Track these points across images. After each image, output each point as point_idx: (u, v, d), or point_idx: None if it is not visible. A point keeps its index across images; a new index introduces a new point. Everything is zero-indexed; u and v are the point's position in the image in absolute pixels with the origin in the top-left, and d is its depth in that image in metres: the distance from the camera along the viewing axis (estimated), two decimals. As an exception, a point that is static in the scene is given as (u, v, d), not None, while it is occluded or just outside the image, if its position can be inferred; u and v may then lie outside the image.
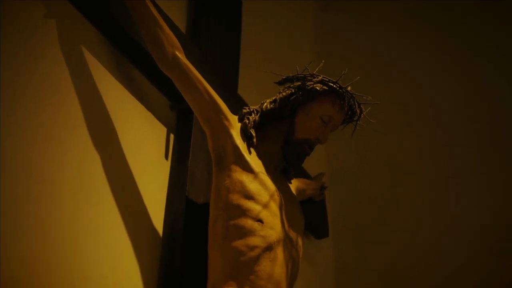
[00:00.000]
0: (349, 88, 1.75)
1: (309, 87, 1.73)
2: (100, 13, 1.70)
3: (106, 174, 1.64)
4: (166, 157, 1.88)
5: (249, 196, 1.58)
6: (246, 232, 1.54)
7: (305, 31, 3.39)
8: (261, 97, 1.87)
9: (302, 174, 2.42)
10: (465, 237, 2.55)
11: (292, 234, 1.67)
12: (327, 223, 2.61)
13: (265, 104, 1.79)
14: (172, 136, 1.93)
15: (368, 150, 2.99)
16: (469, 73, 2.86)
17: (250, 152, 1.68)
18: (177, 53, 1.64)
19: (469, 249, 2.51)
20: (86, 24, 1.71)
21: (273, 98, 1.79)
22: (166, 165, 1.87)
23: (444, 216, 2.65)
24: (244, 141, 1.69)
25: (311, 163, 2.65)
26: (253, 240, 1.54)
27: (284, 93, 1.77)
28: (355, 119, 1.79)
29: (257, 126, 1.76)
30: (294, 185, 1.96)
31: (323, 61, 1.79)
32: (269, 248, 1.55)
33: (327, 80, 1.73)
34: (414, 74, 3.06)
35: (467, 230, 2.56)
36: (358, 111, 1.77)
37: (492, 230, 2.48)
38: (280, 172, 1.83)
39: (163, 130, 1.91)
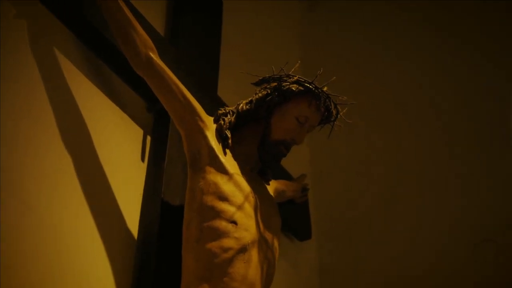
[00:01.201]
0: (325, 89, 1.74)
1: (284, 88, 1.72)
2: (73, 14, 1.69)
3: (80, 177, 1.63)
4: (142, 159, 1.86)
5: (223, 198, 1.57)
6: (220, 234, 1.53)
7: (290, 31, 3.38)
8: (242, 98, 1.86)
9: (284, 175, 2.41)
10: (457, 238, 2.54)
11: (268, 235, 1.65)
12: (310, 225, 2.60)
13: (241, 105, 1.78)
14: (148, 138, 1.91)
15: (352, 151, 2.98)
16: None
17: (225, 154, 1.67)
18: (150, 53, 1.63)
19: (461, 250, 2.50)
20: (59, 25, 1.69)
21: (249, 99, 1.78)
22: (142, 167, 1.85)
23: (435, 216, 2.64)
24: (219, 143, 1.68)
25: (295, 164, 2.65)
26: (227, 242, 1.52)
27: (260, 94, 1.76)
28: (332, 119, 1.78)
29: (233, 127, 1.75)
30: (272, 186, 1.94)
31: (299, 61, 1.78)
32: (243, 249, 1.53)
33: (303, 80, 1.72)
34: (404, 73, 3.05)
35: (462, 230, 2.55)
36: (334, 111, 1.76)
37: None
38: (257, 173, 1.82)
39: (140, 132, 1.90)
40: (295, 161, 2.68)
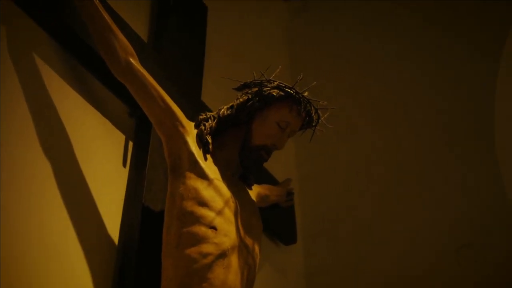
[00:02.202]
0: (306, 94, 1.74)
1: (265, 93, 1.73)
2: (53, 19, 1.69)
3: (61, 182, 1.63)
4: (124, 165, 1.86)
5: (203, 203, 1.57)
6: (199, 239, 1.53)
7: (276, 35, 3.38)
8: (226, 103, 1.86)
9: (270, 179, 2.41)
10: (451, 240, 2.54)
11: (248, 240, 1.66)
12: (296, 229, 2.60)
13: (223, 110, 1.79)
14: (130, 143, 1.91)
15: (338, 154, 2.98)
16: (468, 72, 2.84)
17: (206, 159, 1.67)
18: (130, 58, 1.63)
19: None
20: (38, 30, 1.69)
21: (231, 104, 1.79)
22: (124, 173, 1.85)
23: (430, 221, 2.63)
24: (200, 148, 1.68)
25: (280, 168, 2.66)
26: (206, 247, 1.52)
27: (241, 99, 1.77)
28: (313, 124, 1.79)
29: (214, 132, 1.76)
30: (255, 191, 1.95)
31: (280, 67, 1.79)
32: (222, 255, 1.54)
33: (284, 85, 1.73)
34: (394, 75, 3.05)
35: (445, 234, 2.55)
36: (315, 116, 1.77)
37: (492, 230, 2.48)
38: (239, 178, 1.82)
39: (121, 137, 1.90)
40: (280, 165, 2.69)
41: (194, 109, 2.03)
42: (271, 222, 2.31)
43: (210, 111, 2.13)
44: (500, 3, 2.84)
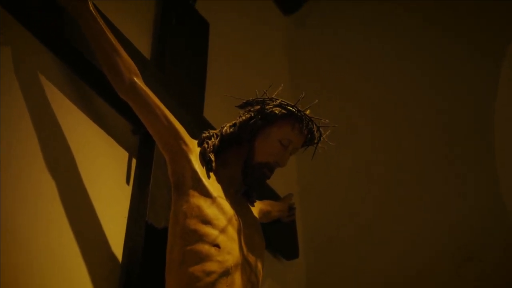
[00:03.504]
0: (307, 112, 1.76)
1: (268, 111, 1.74)
2: (57, 38, 1.70)
3: (65, 200, 1.64)
4: (128, 182, 1.87)
5: (206, 221, 1.58)
6: (202, 258, 1.54)
7: (277, 48, 3.40)
8: (228, 119, 1.87)
9: (271, 194, 2.42)
10: (451, 251, 2.54)
11: (251, 258, 1.66)
12: (297, 244, 2.60)
13: (225, 128, 1.80)
14: (134, 161, 1.92)
15: (338, 169, 2.99)
16: (468, 72, 2.85)
17: (209, 177, 1.68)
18: (134, 78, 1.65)
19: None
20: (43, 49, 1.71)
21: (233, 122, 1.80)
22: (127, 190, 1.86)
23: (430, 231, 2.64)
24: (203, 166, 1.69)
25: (282, 183, 2.67)
26: (210, 266, 1.53)
27: (243, 117, 1.78)
28: (315, 142, 1.80)
29: (217, 150, 1.77)
30: (257, 207, 1.96)
31: (282, 85, 1.80)
32: (226, 273, 1.55)
33: (286, 103, 1.75)
34: (394, 75, 3.07)
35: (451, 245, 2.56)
36: (317, 134, 1.78)
37: (491, 232, 2.48)
38: (242, 195, 1.83)
39: (125, 154, 1.91)
40: (282, 180, 2.70)
41: (196, 126, 2.06)
42: (273, 238, 2.32)
43: (212, 127, 2.16)
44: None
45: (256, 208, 1.94)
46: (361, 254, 2.74)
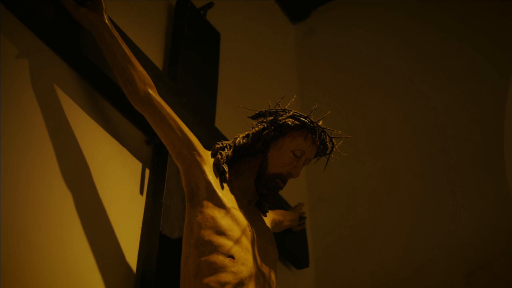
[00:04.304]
0: (320, 123, 1.77)
1: (281, 122, 1.76)
2: (72, 51, 1.73)
3: (79, 210, 1.65)
4: (141, 193, 1.88)
5: (221, 232, 1.60)
6: (217, 268, 1.55)
7: (286, 59, 3.42)
8: (240, 129, 1.88)
9: (282, 203, 2.43)
10: (456, 258, 2.55)
11: (265, 268, 1.67)
12: (308, 252, 2.61)
13: (238, 139, 1.81)
14: (147, 171, 1.94)
15: (348, 176, 3.00)
16: (479, 93, 2.87)
17: (222, 188, 1.70)
18: (148, 90, 1.66)
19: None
20: (58, 61, 1.73)
21: (246, 133, 1.81)
22: (141, 201, 1.87)
23: (434, 241, 2.65)
24: (216, 177, 1.70)
25: (291, 192, 2.68)
26: (224, 277, 1.54)
27: (256, 128, 1.79)
28: (327, 152, 1.81)
29: (231, 161, 1.78)
30: (269, 217, 1.97)
31: (294, 96, 1.82)
32: (240, 284, 1.56)
33: (299, 115, 1.76)
34: (403, 98, 3.08)
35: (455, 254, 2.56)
36: (329, 145, 1.79)
37: (504, 242, 2.49)
38: (255, 206, 1.84)
39: (139, 165, 1.92)
40: (291, 188, 2.71)
41: (208, 136, 2.07)
42: (284, 247, 2.33)
43: (224, 137, 2.17)
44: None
45: (269, 218, 1.95)
46: (371, 263, 2.74)
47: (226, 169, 1.73)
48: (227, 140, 2.10)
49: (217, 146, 1.79)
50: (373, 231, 2.82)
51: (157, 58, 2.19)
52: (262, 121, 1.80)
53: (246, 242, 1.63)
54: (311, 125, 1.75)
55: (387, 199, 2.85)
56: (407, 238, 2.72)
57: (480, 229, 2.56)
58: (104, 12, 1.68)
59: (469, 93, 2.89)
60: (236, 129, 2.10)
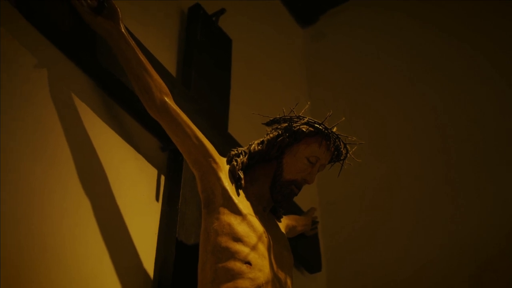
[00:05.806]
0: (334, 129, 1.78)
1: (295, 129, 1.76)
2: (88, 58, 1.75)
3: (96, 217, 1.66)
4: (157, 199, 1.90)
5: (237, 238, 1.61)
6: (234, 275, 1.56)
7: (296, 63, 3.44)
8: (252, 135, 1.89)
9: (294, 208, 2.44)
10: (460, 259, 2.55)
11: (281, 274, 1.68)
12: (320, 257, 2.62)
13: (253, 145, 1.82)
14: (163, 178, 1.95)
15: (359, 182, 3.00)
16: (467, 91, 2.87)
17: (238, 194, 1.71)
18: (165, 98, 1.68)
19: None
20: (76, 70, 1.75)
21: (261, 139, 1.82)
22: (157, 207, 1.89)
23: (441, 244, 2.65)
24: (232, 183, 1.72)
25: (303, 197, 2.68)
26: (242, 283, 1.55)
27: (271, 135, 1.80)
28: (342, 158, 1.82)
29: (246, 167, 1.79)
30: (284, 223, 1.98)
31: (308, 103, 1.83)
32: (257, 290, 1.57)
33: (313, 121, 1.77)
34: (413, 102, 3.08)
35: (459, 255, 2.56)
36: (344, 151, 1.80)
37: (507, 243, 2.49)
38: (270, 212, 1.85)
39: (154, 171, 1.94)
40: (303, 192, 2.71)
41: (221, 142, 2.09)
42: (297, 252, 2.34)
43: (237, 143, 2.19)
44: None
45: (283, 224, 1.96)
46: (383, 267, 2.74)
47: (242, 176, 1.74)
48: (240, 145, 2.11)
49: (232, 152, 1.80)
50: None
51: (170, 65, 2.20)
52: (277, 128, 1.81)
53: (262, 248, 1.64)
54: (326, 131, 1.76)
55: (399, 203, 2.85)
56: (416, 242, 2.72)
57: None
58: (120, 21, 1.70)
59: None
60: (249, 134, 2.11)
